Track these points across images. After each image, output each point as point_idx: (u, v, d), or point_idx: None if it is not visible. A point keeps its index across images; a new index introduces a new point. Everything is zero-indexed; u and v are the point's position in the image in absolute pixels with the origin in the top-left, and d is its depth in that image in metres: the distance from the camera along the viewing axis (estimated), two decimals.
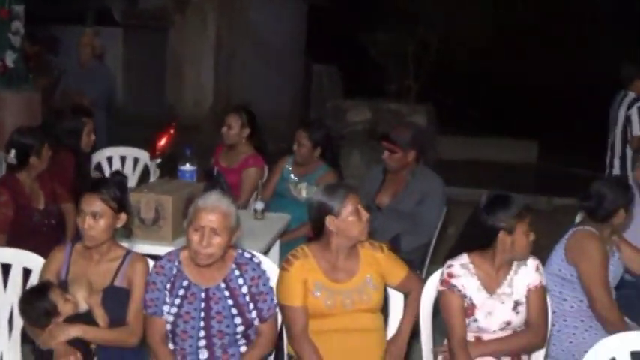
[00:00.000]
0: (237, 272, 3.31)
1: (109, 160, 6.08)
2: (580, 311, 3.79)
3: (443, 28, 11.15)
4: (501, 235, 3.28)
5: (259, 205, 4.78)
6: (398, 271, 3.52)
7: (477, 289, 3.35)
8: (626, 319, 3.94)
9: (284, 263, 3.41)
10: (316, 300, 3.35)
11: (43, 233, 4.49)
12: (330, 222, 3.34)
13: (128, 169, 6.05)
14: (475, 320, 3.35)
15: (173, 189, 4.40)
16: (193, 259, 3.23)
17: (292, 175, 5.29)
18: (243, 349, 3.34)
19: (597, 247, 3.72)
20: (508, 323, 3.35)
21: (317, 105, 12.37)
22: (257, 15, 12.85)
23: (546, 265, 3.90)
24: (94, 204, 3.28)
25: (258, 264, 3.37)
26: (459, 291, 3.34)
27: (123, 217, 3.41)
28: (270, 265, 3.58)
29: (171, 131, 5.09)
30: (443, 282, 3.39)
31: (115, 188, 3.36)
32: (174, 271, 3.29)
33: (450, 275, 3.37)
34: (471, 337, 3.38)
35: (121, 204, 3.37)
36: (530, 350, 3.40)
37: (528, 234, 3.29)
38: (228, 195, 4.43)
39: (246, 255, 3.37)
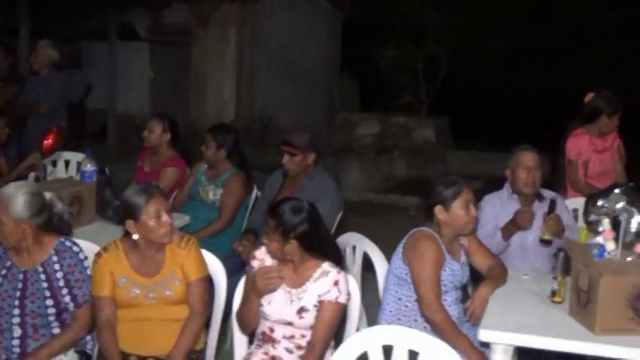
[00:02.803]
0: (55, 258, 3.50)
1: (53, 162, 6.35)
2: (414, 311, 3.75)
3: (453, 43, 11.10)
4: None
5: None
6: (191, 272, 3.52)
7: None
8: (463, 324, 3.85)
9: (95, 255, 3.55)
10: (120, 291, 3.50)
11: None
12: (129, 225, 3.47)
13: (72, 171, 6.29)
14: (261, 305, 3.43)
15: (61, 187, 4.62)
16: None
17: (204, 178, 5.40)
18: (56, 331, 3.52)
19: (431, 248, 3.67)
20: (290, 323, 3.40)
21: (329, 117, 12.48)
22: (282, 30, 13.08)
23: (390, 263, 3.92)
24: None
25: (77, 252, 3.54)
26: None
27: None
28: None
29: (56, 132, 5.31)
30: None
31: None
32: (1, 252, 3.52)
33: (253, 258, 3.51)
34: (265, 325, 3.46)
35: None
36: None
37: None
38: (113, 194, 4.65)
39: (67, 244, 3.54)
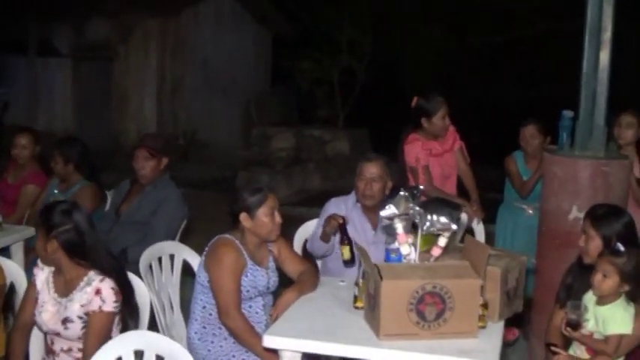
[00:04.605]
0: None
1: None
2: (217, 319, 3.71)
3: (369, 56, 11.16)
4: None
5: None
6: None
7: (45, 284, 3.40)
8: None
9: None
10: None
11: None
12: None
13: None
14: (34, 315, 3.39)
15: None
16: None
17: (56, 191, 5.36)
18: None
19: (228, 255, 3.64)
20: (58, 334, 3.33)
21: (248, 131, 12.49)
22: (207, 43, 13.04)
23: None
24: None
25: None
26: (34, 281, 3.43)
27: None
28: None
29: None
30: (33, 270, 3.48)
31: None
32: None
33: (37, 265, 3.46)
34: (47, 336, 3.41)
35: None
36: None
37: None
38: None
39: None
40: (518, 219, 5.47)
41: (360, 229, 4.45)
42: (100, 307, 3.23)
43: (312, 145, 10.91)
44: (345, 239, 3.94)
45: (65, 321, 3.27)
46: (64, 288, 3.34)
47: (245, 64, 13.76)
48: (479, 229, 5.19)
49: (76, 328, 3.26)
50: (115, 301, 3.27)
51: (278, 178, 10.24)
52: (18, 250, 4.86)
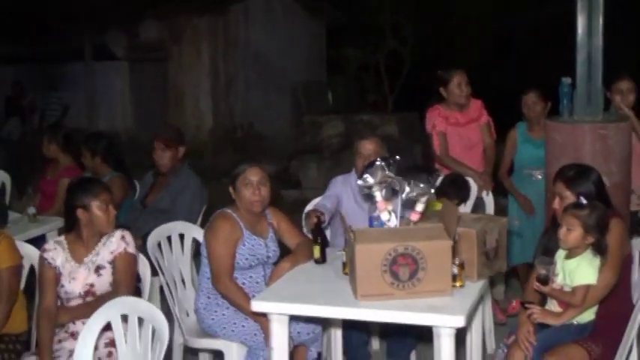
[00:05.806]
0: None
1: None
2: None
3: (413, 39, 11.25)
4: (79, 212, 3.67)
5: (31, 210, 5.29)
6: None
7: (65, 259, 3.73)
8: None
9: None
10: None
11: None
12: None
13: None
14: (62, 286, 3.71)
15: None
16: None
17: None
18: None
19: (223, 227, 3.93)
20: (92, 285, 3.69)
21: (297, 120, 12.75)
22: (259, 37, 13.36)
23: None
24: None
25: None
26: (49, 263, 3.73)
27: None
28: None
29: None
30: (39, 257, 3.81)
31: None
32: None
33: (44, 250, 3.78)
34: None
35: None
36: None
37: (106, 209, 3.70)
38: None
39: None
40: (528, 187, 5.54)
41: (365, 206, 4.62)
42: (125, 248, 3.73)
43: (361, 131, 10.99)
44: (319, 239, 4.00)
45: (98, 269, 3.70)
46: (84, 250, 3.75)
47: (299, 55, 14.00)
48: (488, 200, 5.31)
49: (107, 273, 3.70)
50: (135, 247, 3.79)
51: (327, 165, 10.43)
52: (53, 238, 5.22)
